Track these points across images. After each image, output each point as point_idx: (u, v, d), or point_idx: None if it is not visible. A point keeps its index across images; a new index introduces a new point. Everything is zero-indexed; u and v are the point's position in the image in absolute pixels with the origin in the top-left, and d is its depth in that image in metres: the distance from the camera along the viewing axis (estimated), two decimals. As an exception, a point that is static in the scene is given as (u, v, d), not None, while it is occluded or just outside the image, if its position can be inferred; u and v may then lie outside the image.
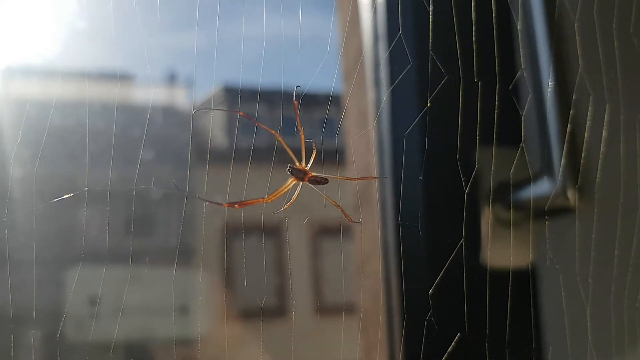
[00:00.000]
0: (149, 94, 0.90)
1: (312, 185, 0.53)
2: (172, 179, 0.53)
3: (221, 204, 0.51)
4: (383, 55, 0.67)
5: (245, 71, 0.52)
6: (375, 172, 0.68)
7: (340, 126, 0.77)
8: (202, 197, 0.52)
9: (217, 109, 0.56)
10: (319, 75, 0.54)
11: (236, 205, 0.51)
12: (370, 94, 0.70)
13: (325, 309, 1.03)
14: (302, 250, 1.05)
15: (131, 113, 0.83)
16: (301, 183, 0.52)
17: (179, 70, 0.92)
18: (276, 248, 0.97)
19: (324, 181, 0.53)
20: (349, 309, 0.71)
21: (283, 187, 0.52)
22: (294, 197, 0.52)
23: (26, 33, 0.75)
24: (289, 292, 0.98)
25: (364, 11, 0.70)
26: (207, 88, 0.84)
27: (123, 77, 0.83)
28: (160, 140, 0.86)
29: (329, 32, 0.63)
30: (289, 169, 0.52)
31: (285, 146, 0.51)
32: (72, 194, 0.50)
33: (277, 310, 0.96)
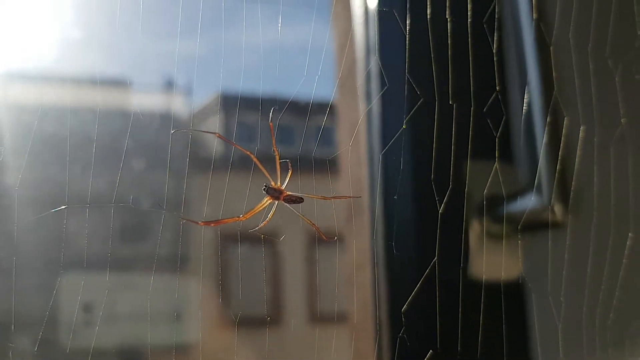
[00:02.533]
0: (146, 101, 0.91)
1: (287, 205, 0.54)
2: (164, 188, 0.54)
3: (197, 223, 0.52)
4: (374, 68, 0.68)
5: (241, 79, 0.54)
6: (366, 184, 0.69)
7: (333, 136, 0.79)
8: (180, 216, 0.53)
9: (195, 130, 0.57)
10: (314, 85, 0.55)
11: (212, 224, 0.52)
12: (361, 106, 0.71)
13: (317, 319, 1.04)
14: (296, 260, 1.06)
15: (127, 120, 0.84)
16: (277, 202, 0.54)
17: (175, 78, 0.93)
18: (270, 257, 0.99)
19: (300, 200, 0.54)
20: (340, 318, 0.73)
21: (259, 206, 0.54)
22: (270, 215, 0.54)
23: (23, 39, 0.77)
24: (282, 301, 0.99)
25: (357, 24, 0.72)
26: (203, 96, 0.86)
27: (120, 84, 0.84)
28: (154, 148, 0.88)
29: (324, 42, 0.65)
30: (264, 188, 0.53)
31: (260, 167, 0.52)
32: (53, 210, 0.51)
33: (270, 321, 0.98)
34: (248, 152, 0.53)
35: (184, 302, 0.81)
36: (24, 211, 0.75)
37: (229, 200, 0.55)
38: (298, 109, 0.56)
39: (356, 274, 0.72)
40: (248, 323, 0.69)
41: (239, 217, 0.52)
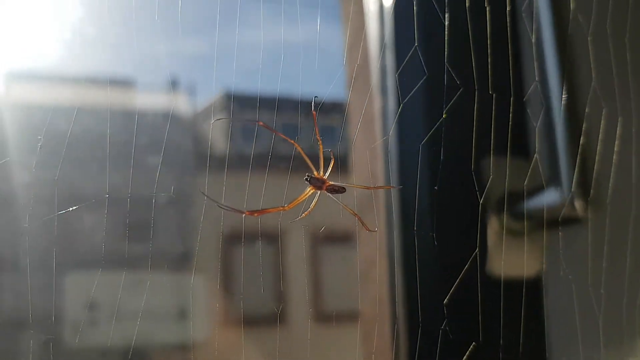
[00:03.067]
0: (151, 99, 0.90)
1: (330, 194, 0.53)
2: (180, 186, 0.53)
3: (243, 212, 0.51)
4: (392, 64, 0.67)
5: (248, 78, 0.53)
6: (382, 181, 0.68)
7: (349, 134, 0.78)
8: (223, 205, 0.52)
9: (237, 119, 0.56)
10: (326, 83, 0.55)
11: (255, 214, 0.51)
12: (378, 103, 0.70)
13: (326, 316, 1.03)
14: (304, 257, 1.05)
15: (135, 119, 0.83)
16: (319, 192, 0.53)
17: (181, 77, 0.93)
18: (277, 254, 0.98)
19: (342, 190, 0.53)
20: (351, 316, 0.72)
21: (302, 196, 0.53)
22: (312, 205, 0.53)
23: (28, 39, 0.76)
24: (289, 298, 0.98)
25: (371, 20, 0.71)
26: (209, 94, 0.85)
27: (125, 83, 0.83)
28: (168, 146, 0.87)
29: (334, 40, 0.64)
30: (307, 178, 0.52)
31: (303, 155, 0.52)
32: (83, 204, 0.50)
33: (277, 317, 0.97)
34: (292, 141, 0.52)
35: (190, 300, 0.80)
36: (34, 210, 0.74)
37: (268, 196, 0.54)
38: (309, 107, 0.55)
39: (370, 269, 0.71)
40: (256, 321, 0.69)
41: (282, 207, 0.52)
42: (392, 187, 0.54)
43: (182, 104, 0.93)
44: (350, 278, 0.76)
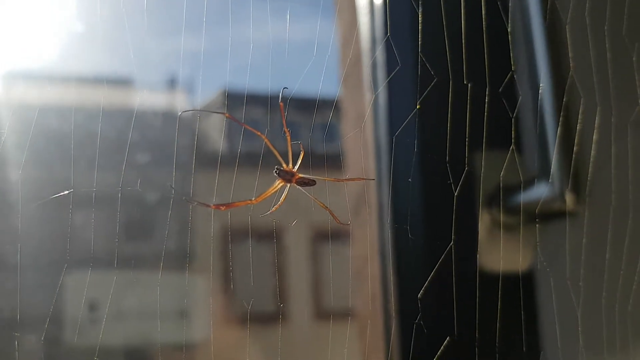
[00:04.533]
0: (148, 97, 0.90)
1: (299, 187, 0.52)
2: (168, 182, 0.52)
3: (209, 205, 0.51)
4: (379, 57, 0.67)
5: (245, 75, 0.52)
6: (372, 174, 0.67)
7: (339, 130, 0.77)
8: (190, 199, 0.51)
9: (203, 111, 0.55)
10: (318, 78, 0.54)
11: (222, 207, 0.50)
12: (368, 97, 0.69)
13: (323, 313, 1.03)
14: (301, 255, 1.05)
15: (130, 116, 0.82)
16: (289, 185, 0.52)
17: (178, 74, 0.92)
18: (275, 252, 0.97)
19: (312, 182, 0.52)
20: (348, 313, 0.71)
21: (270, 189, 0.52)
22: (282, 199, 0.52)
23: (25, 37, 0.75)
24: (287, 296, 0.98)
25: (362, 15, 0.70)
26: (207, 92, 0.84)
27: (122, 81, 0.83)
28: (158, 143, 0.86)
29: (329, 35, 0.63)
30: (276, 171, 0.51)
31: (271, 148, 0.51)
32: (57, 195, 0.49)
33: (275, 315, 0.96)
34: (259, 133, 0.51)
35: (191, 298, 0.80)
36: (29, 207, 0.73)
37: (237, 192, 0.53)
38: (303, 103, 0.54)
39: (364, 266, 0.70)
40: (256, 319, 0.68)
41: (250, 200, 0.51)
42: (364, 179, 0.53)
43: (179, 102, 0.93)
44: (345, 275, 0.76)
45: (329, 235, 0.56)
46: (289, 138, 0.51)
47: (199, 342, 0.80)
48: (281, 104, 0.50)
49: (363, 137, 0.70)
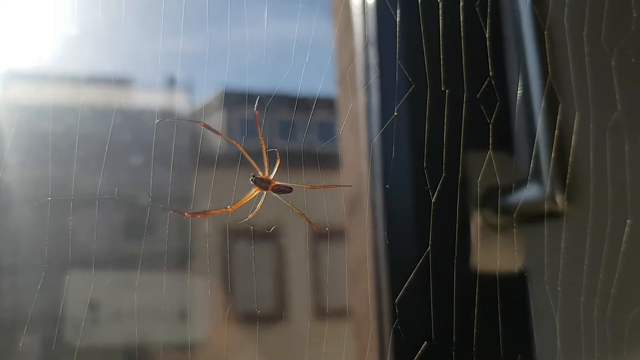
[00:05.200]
0: (146, 98, 0.90)
1: (276, 194, 0.53)
2: (151, 188, 0.53)
3: (184, 214, 0.51)
4: (372, 60, 0.67)
5: (242, 75, 0.53)
6: (365, 178, 0.68)
7: (334, 131, 0.77)
8: (166, 207, 0.52)
9: (180, 120, 0.56)
10: (314, 79, 0.54)
11: (198, 215, 0.51)
12: (362, 99, 0.70)
13: (321, 314, 1.03)
14: (299, 256, 1.05)
15: (128, 118, 0.83)
16: (265, 192, 0.53)
17: (176, 75, 0.93)
18: (273, 253, 0.98)
19: (288, 190, 0.53)
20: (343, 313, 0.72)
21: (246, 197, 0.52)
22: (259, 206, 0.53)
23: (22, 38, 0.76)
24: (285, 296, 0.98)
25: (355, 15, 0.71)
26: (204, 93, 0.85)
27: (120, 82, 0.83)
28: (149, 146, 0.87)
29: (324, 36, 0.63)
30: (252, 179, 0.52)
31: (247, 156, 0.51)
32: (36, 203, 0.50)
33: (273, 315, 0.97)
34: (234, 142, 0.51)
35: (189, 299, 0.80)
36: (25, 208, 0.74)
37: (217, 195, 0.53)
38: (298, 104, 0.55)
39: (356, 267, 0.71)
40: (250, 319, 0.68)
41: (226, 208, 0.51)
42: (341, 186, 0.53)
43: (178, 103, 0.93)
44: (342, 276, 0.76)
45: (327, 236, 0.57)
46: (264, 146, 0.51)
47: (197, 342, 0.81)
48: (256, 112, 0.51)
49: (353, 141, 0.71)
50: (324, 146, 0.58)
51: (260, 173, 0.52)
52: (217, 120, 0.85)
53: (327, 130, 0.76)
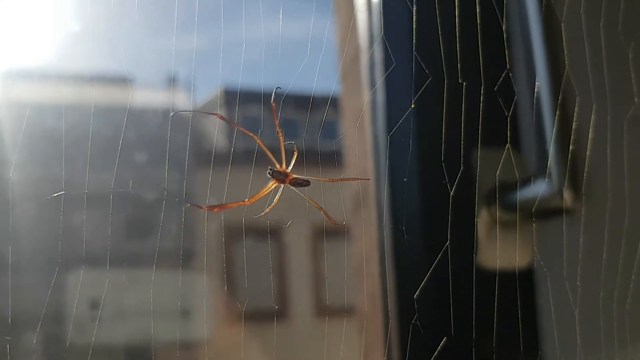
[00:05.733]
0: (148, 96, 0.89)
1: (293, 188, 0.52)
2: (166, 182, 0.52)
3: (201, 207, 0.50)
4: (376, 56, 0.66)
5: (244, 74, 0.52)
6: (370, 174, 0.67)
7: (337, 128, 0.77)
8: (182, 201, 0.51)
9: (196, 111, 0.55)
10: (318, 77, 0.53)
11: (215, 209, 0.50)
12: (365, 95, 0.69)
13: (325, 312, 1.02)
14: (302, 253, 1.04)
15: (128, 115, 0.82)
16: (282, 185, 0.52)
17: (178, 73, 0.92)
18: (276, 251, 0.97)
19: (306, 183, 0.52)
20: (349, 311, 0.71)
21: (264, 190, 0.51)
22: (276, 199, 0.52)
23: (24, 36, 0.75)
24: (289, 294, 0.97)
25: (360, 12, 0.70)
26: (207, 91, 0.84)
27: (121, 80, 0.82)
28: (157, 143, 0.86)
29: (327, 34, 0.63)
30: (269, 172, 0.51)
31: (264, 149, 0.50)
32: (52, 195, 0.49)
33: (277, 313, 0.96)
34: (251, 134, 0.50)
35: (190, 297, 0.79)
36: (24, 206, 0.73)
37: (231, 192, 0.53)
38: (301, 101, 0.54)
39: (363, 265, 0.70)
40: (255, 317, 0.67)
41: (243, 201, 0.50)
42: (359, 179, 0.52)
43: (176, 101, 0.92)
44: (346, 273, 0.76)
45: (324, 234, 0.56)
46: (281, 138, 0.50)
47: (197, 340, 0.80)
48: (273, 104, 0.50)
49: (361, 137, 0.70)
50: (327, 144, 0.57)
51: (277, 166, 0.51)
52: (216, 118, 0.84)
53: (332, 128, 0.75)
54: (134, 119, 0.85)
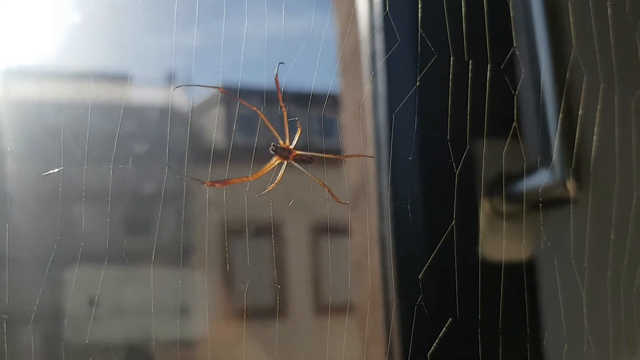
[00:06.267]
0: (147, 92, 0.88)
1: (297, 164, 0.51)
2: (179, 179, 0.52)
3: (203, 182, 0.49)
4: (378, 34, 0.65)
5: (244, 70, 0.51)
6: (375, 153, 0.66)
7: (339, 121, 0.76)
8: (184, 176, 0.50)
9: (197, 85, 0.54)
10: (318, 71, 0.53)
11: (217, 184, 0.49)
12: (367, 86, 0.68)
13: (324, 306, 1.01)
14: (301, 247, 1.03)
15: (129, 111, 0.82)
16: (285, 162, 0.51)
17: (177, 69, 0.91)
18: (274, 245, 0.96)
19: (310, 159, 0.51)
20: (347, 305, 0.70)
21: (267, 166, 0.51)
22: (279, 177, 0.51)
23: (22, 33, 0.75)
24: (288, 290, 0.97)
25: (360, 2, 0.69)
26: (204, 89, 0.83)
27: (121, 77, 0.82)
28: (157, 138, 0.85)
29: (327, 28, 0.62)
30: (272, 148, 0.50)
31: (268, 124, 0.49)
32: (49, 172, 0.48)
33: (275, 309, 0.95)
34: (254, 108, 0.50)
35: (189, 294, 0.79)
36: (21, 201, 0.72)
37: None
38: (301, 95, 0.53)
39: (364, 258, 0.69)
40: (255, 314, 0.67)
41: (247, 177, 0.50)
42: (362, 155, 0.51)
43: (179, 98, 0.92)
44: (345, 267, 0.75)
45: (328, 227, 0.55)
46: (285, 114, 0.50)
47: (197, 336, 0.79)
48: (277, 78, 0.49)
49: (363, 116, 0.69)
50: (327, 138, 0.57)
51: (281, 142, 0.51)
52: (215, 115, 0.84)
53: (332, 122, 0.75)
54: (133, 115, 0.84)
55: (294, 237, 1.01)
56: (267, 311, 0.74)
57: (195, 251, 0.70)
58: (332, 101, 0.76)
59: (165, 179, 0.51)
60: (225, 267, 0.68)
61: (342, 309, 0.68)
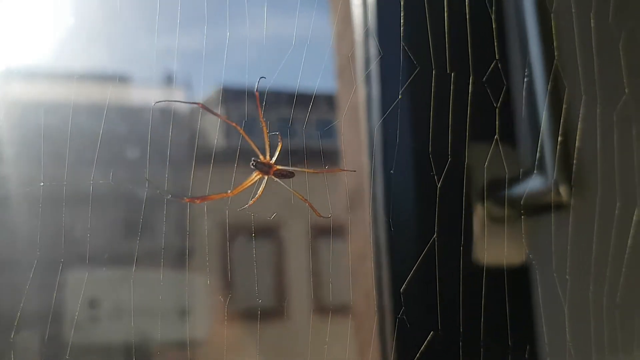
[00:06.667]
0: (145, 95, 0.88)
1: (277, 179, 0.51)
2: (177, 181, 0.51)
3: (183, 199, 0.49)
4: (364, 48, 0.65)
5: (241, 72, 0.51)
6: (360, 167, 0.66)
7: (335, 124, 0.76)
8: (164, 192, 0.50)
9: (176, 101, 0.54)
10: (314, 74, 0.53)
11: (197, 200, 0.49)
12: (362, 90, 0.68)
13: (321, 310, 1.01)
14: (299, 251, 1.03)
15: (127, 114, 0.82)
16: (266, 177, 0.51)
17: (176, 72, 0.91)
18: (272, 249, 0.96)
19: (290, 174, 0.51)
20: (344, 309, 0.70)
21: (247, 181, 0.50)
22: (260, 192, 0.51)
23: (21, 35, 0.74)
24: (286, 293, 0.97)
25: (355, 6, 0.69)
26: (204, 89, 0.83)
27: (120, 78, 0.82)
28: (153, 141, 0.85)
29: (324, 31, 0.62)
30: (253, 163, 0.50)
31: (248, 140, 0.49)
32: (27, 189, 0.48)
33: (274, 312, 0.95)
34: (234, 124, 0.50)
35: (188, 296, 0.79)
36: (21, 203, 0.72)
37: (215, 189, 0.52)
38: (298, 99, 0.53)
39: (358, 262, 0.69)
40: (252, 316, 0.67)
41: (226, 192, 0.49)
42: (344, 170, 0.51)
43: (176, 99, 0.91)
44: (343, 272, 0.75)
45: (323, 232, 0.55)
46: (265, 129, 0.49)
47: (197, 339, 0.79)
48: (257, 93, 0.49)
49: (349, 129, 0.69)
50: (323, 139, 0.56)
51: (261, 157, 0.50)
52: (214, 117, 0.84)
53: (327, 125, 0.75)
54: (130, 117, 0.84)
55: (288, 240, 1.01)
56: (264, 314, 0.74)
57: (194, 254, 0.70)
58: (326, 104, 0.76)
59: (165, 180, 0.51)
60: (225, 269, 0.69)
61: (336, 313, 0.69)
